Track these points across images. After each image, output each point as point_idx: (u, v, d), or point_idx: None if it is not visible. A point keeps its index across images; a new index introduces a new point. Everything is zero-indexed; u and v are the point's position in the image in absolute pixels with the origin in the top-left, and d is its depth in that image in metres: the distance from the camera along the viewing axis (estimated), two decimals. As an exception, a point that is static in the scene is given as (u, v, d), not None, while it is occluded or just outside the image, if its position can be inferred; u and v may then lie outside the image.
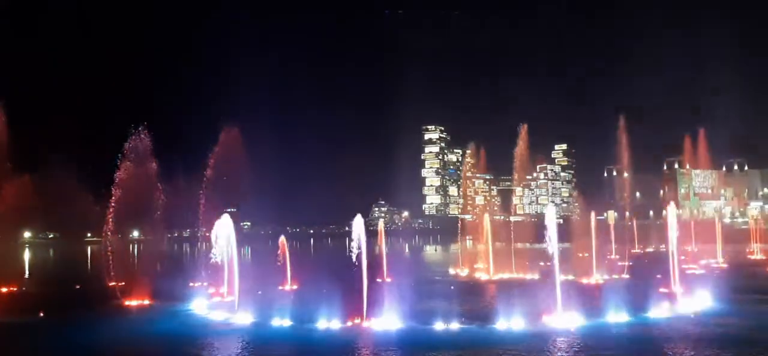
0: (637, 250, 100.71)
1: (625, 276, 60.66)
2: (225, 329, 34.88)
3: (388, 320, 33.64)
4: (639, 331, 31.80)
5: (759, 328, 32.08)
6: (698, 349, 27.63)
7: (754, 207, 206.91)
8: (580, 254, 67.64)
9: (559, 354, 27.71)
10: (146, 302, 44.75)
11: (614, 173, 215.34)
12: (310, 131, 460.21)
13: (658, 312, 36.18)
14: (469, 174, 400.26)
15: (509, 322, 32.96)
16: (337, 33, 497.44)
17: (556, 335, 30.63)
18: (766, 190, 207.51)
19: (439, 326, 32.87)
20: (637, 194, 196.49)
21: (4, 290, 51.98)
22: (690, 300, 39.39)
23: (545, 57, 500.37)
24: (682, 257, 61.20)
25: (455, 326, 32.85)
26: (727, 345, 28.10)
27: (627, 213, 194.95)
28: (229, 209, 54.74)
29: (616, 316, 34.58)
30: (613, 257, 79.69)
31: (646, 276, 53.45)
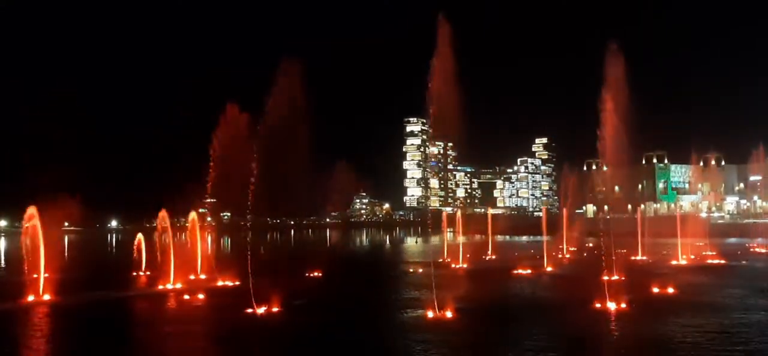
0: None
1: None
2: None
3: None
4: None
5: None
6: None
7: (730, 202, 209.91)
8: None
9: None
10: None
11: (594, 167, 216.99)
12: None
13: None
14: (450, 167, 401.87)
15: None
16: (321, 26, 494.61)
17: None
18: (742, 185, 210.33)
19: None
20: (616, 188, 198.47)
21: None
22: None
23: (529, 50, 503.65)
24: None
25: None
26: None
27: (606, 207, 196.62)
28: (208, 199, 54.45)
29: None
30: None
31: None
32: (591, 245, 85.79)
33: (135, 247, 58.55)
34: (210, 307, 38.97)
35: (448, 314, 33.33)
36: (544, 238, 77.65)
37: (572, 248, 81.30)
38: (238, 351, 27.88)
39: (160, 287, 46.61)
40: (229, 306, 36.88)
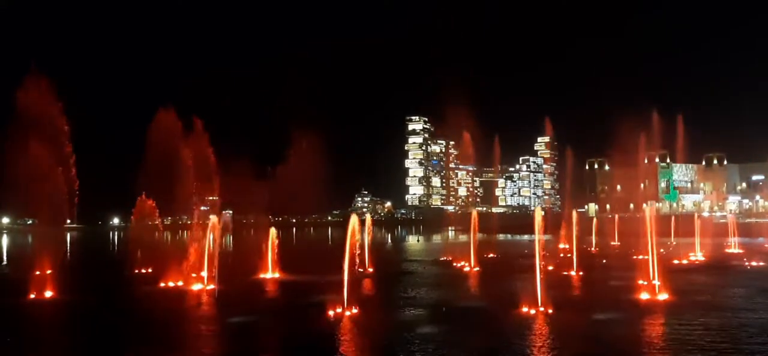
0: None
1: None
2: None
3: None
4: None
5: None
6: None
7: (733, 201, 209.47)
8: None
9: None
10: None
11: (596, 166, 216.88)
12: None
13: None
14: (452, 165, 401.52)
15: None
16: (321, 22, 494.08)
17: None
18: (744, 184, 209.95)
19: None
20: (618, 187, 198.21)
21: None
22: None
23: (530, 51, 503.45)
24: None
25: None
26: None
27: (607, 206, 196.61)
28: (210, 198, 54.66)
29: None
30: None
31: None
32: (592, 245, 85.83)
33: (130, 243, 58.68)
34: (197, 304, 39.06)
35: (449, 311, 33.42)
36: (546, 237, 77.54)
37: (574, 248, 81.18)
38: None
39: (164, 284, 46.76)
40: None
